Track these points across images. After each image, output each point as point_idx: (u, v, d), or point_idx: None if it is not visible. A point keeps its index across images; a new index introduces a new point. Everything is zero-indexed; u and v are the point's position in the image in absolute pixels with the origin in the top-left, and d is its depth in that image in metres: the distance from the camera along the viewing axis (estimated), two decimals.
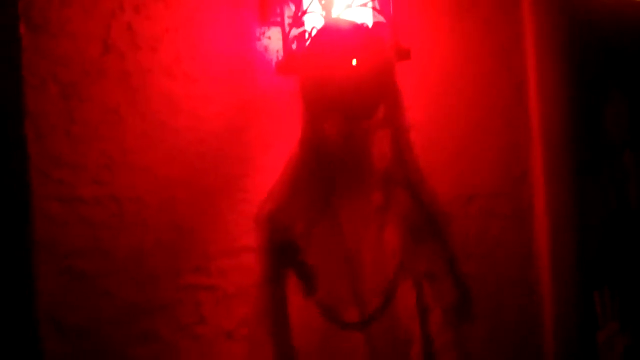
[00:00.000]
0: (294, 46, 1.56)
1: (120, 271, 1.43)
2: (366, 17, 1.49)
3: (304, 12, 1.51)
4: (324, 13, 1.46)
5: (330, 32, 1.40)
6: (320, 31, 1.43)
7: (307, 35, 1.52)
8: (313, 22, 1.50)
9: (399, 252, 1.44)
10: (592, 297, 2.13)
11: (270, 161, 1.59)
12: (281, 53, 1.62)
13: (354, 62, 1.32)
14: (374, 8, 1.51)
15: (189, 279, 1.51)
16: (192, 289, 1.51)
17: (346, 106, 1.32)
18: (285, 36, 1.57)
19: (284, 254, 1.35)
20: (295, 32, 1.56)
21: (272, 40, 1.62)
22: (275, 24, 1.61)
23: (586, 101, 2.43)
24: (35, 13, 1.35)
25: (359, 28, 1.40)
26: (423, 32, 1.86)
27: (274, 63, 1.62)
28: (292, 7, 1.55)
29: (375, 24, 1.50)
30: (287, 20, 1.57)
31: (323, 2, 1.46)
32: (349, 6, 1.45)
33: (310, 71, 1.38)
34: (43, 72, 1.36)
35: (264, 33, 1.62)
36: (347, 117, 1.32)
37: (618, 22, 2.49)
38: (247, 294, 1.57)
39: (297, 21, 1.55)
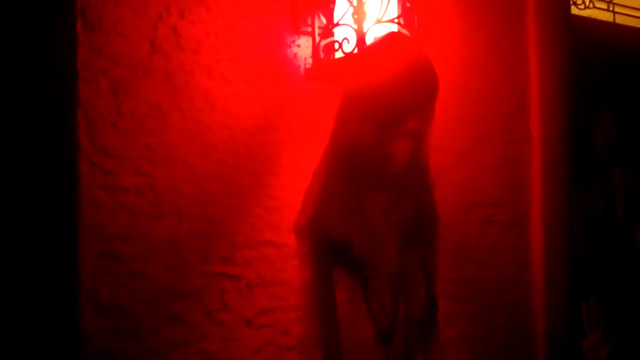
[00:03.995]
0: (322, 55, 1.68)
1: (155, 256, 1.52)
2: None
3: (335, 25, 1.62)
4: (355, 26, 1.57)
5: (381, 46, 1.46)
6: (371, 43, 1.50)
7: (336, 46, 1.63)
8: (344, 33, 1.61)
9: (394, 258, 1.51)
10: (580, 306, 2.22)
11: (295, 160, 1.70)
12: (309, 60, 1.73)
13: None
14: (398, 23, 1.62)
15: (216, 267, 1.60)
16: (218, 277, 1.61)
17: (380, 115, 1.39)
18: (315, 46, 1.68)
19: (332, 253, 1.40)
20: (324, 42, 1.68)
21: (301, 48, 1.74)
22: (305, 33, 1.72)
23: (581, 118, 2.56)
24: (91, 12, 1.45)
25: (412, 50, 1.46)
26: (437, 45, 1.98)
27: (302, 70, 1.73)
28: (323, 19, 1.67)
29: None
30: (317, 31, 1.68)
31: (356, 16, 1.56)
32: (379, 21, 1.56)
33: (353, 80, 1.45)
34: (95, 67, 1.45)
35: (294, 41, 1.73)
36: (381, 124, 1.39)
37: (614, 47, 2.62)
38: (267, 284, 1.67)
39: (328, 32, 1.66)
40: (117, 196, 1.48)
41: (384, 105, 1.38)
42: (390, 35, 1.48)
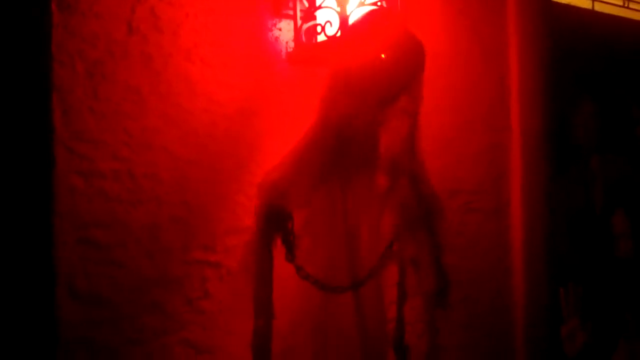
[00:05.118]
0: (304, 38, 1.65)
1: (134, 244, 1.49)
2: None
3: (317, 7, 1.60)
4: (338, 9, 1.55)
5: (366, 23, 1.44)
6: (357, 21, 1.48)
7: (319, 29, 1.60)
8: (326, 16, 1.58)
9: (390, 236, 1.51)
10: (558, 293, 2.23)
11: (277, 145, 1.66)
12: (291, 44, 1.70)
13: (382, 55, 1.38)
14: (381, 7, 1.59)
15: (197, 255, 1.58)
16: (199, 265, 1.58)
17: (372, 93, 1.37)
18: (297, 29, 1.65)
19: (275, 218, 1.40)
20: (306, 25, 1.65)
21: (283, 31, 1.70)
22: (286, 16, 1.69)
23: (560, 108, 2.57)
24: None
25: (397, 24, 1.45)
26: (419, 31, 1.96)
27: (283, 53, 1.70)
28: (305, 2, 1.64)
29: None
30: (299, 14, 1.65)
31: None
32: (362, 3, 1.54)
33: (342, 59, 1.42)
34: (71, 49, 1.41)
35: (275, 25, 1.70)
36: (373, 104, 1.38)
37: (593, 34, 2.63)
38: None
39: (310, 15, 1.63)
40: (94, 182, 1.44)
41: (374, 85, 1.36)
42: (372, 12, 1.46)
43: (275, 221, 1.41)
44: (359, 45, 1.38)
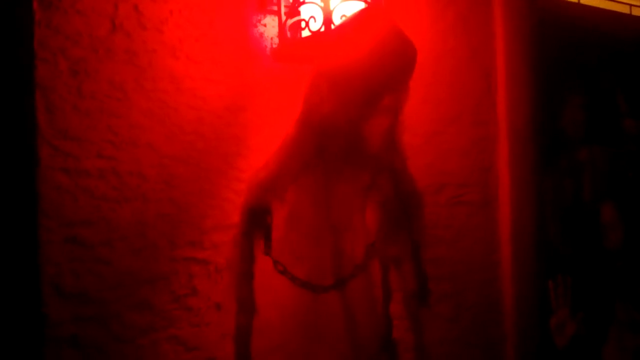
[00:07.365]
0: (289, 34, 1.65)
1: (120, 241, 1.49)
2: None
3: (302, 3, 1.59)
4: (322, 4, 1.54)
5: (356, 22, 1.41)
6: (346, 19, 1.46)
7: (303, 24, 1.60)
8: (310, 12, 1.58)
9: (373, 234, 1.52)
10: (547, 284, 2.24)
11: (263, 142, 1.66)
12: (276, 40, 1.70)
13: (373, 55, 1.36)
14: (365, 1, 1.59)
15: (184, 252, 1.58)
16: (186, 262, 1.58)
17: (357, 92, 1.36)
18: (281, 25, 1.65)
19: (256, 215, 1.41)
20: (290, 21, 1.65)
21: (267, 27, 1.70)
22: (271, 12, 1.69)
23: (548, 100, 2.57)
24: None
25: (387, 24, 1.42)
26: (406, 25, 1.95)
27: (268, 50, 1.70)
28: None
29: None
30: (283, 10, 1.65)
31: None
32: None
33: (328, 57, 1.40)
34: (54, 47, 1.40)
35: (259, 20, 1.69)
36: (356, 102, 1.36)
37: (579, 27, 2.64)
38: None
39: (294, 11, 1.62)
40: (79, 180, 1.44)
41: (359, 83, 1.35)
42: (364, 11, 1.45)
43: (255, 217, 1.42)
44: (347, 44, 1.37)
